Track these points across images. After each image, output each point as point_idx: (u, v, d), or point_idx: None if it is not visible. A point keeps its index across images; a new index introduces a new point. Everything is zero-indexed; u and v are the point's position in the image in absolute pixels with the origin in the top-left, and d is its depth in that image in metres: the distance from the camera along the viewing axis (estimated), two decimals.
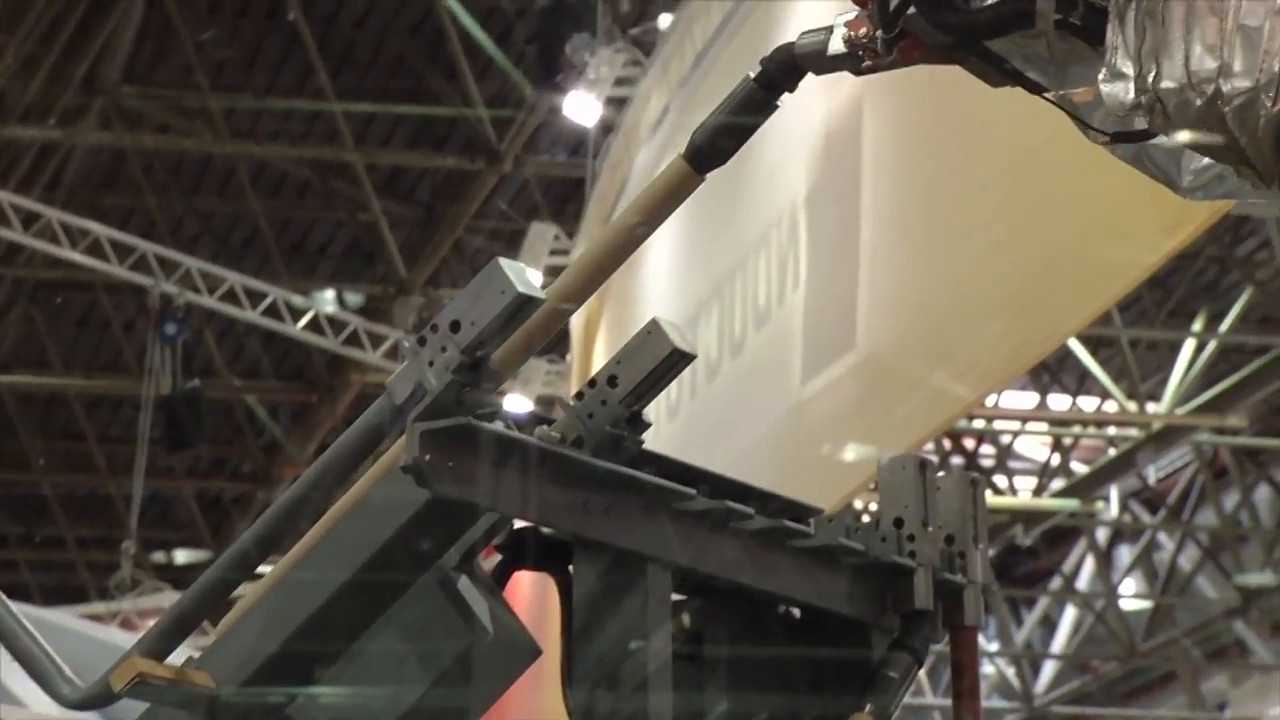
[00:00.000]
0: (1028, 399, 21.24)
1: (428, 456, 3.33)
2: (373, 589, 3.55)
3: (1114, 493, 20.78)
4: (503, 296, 3.34)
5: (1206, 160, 3.99)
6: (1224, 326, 19.77)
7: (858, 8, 3.19)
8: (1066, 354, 19.07)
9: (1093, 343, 19.42)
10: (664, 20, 17.31)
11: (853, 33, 3.20)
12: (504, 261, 3.41)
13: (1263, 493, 20.21)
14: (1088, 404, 21.00)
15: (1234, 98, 2.56)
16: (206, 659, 3.66)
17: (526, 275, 3.45)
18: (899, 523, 4.03)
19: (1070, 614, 21.77)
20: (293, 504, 3.69)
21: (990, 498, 19.62)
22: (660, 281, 16.20)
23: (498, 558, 3.81)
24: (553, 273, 20.09)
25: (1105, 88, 2.77)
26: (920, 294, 11.55)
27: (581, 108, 17.60)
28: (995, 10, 3.00)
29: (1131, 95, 2.72)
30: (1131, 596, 21.15)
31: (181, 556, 26.82)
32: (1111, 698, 21.41)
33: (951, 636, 4.12)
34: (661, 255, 16.30)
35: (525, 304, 3.35)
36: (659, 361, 3.63)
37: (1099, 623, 20.82)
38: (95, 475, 27.59)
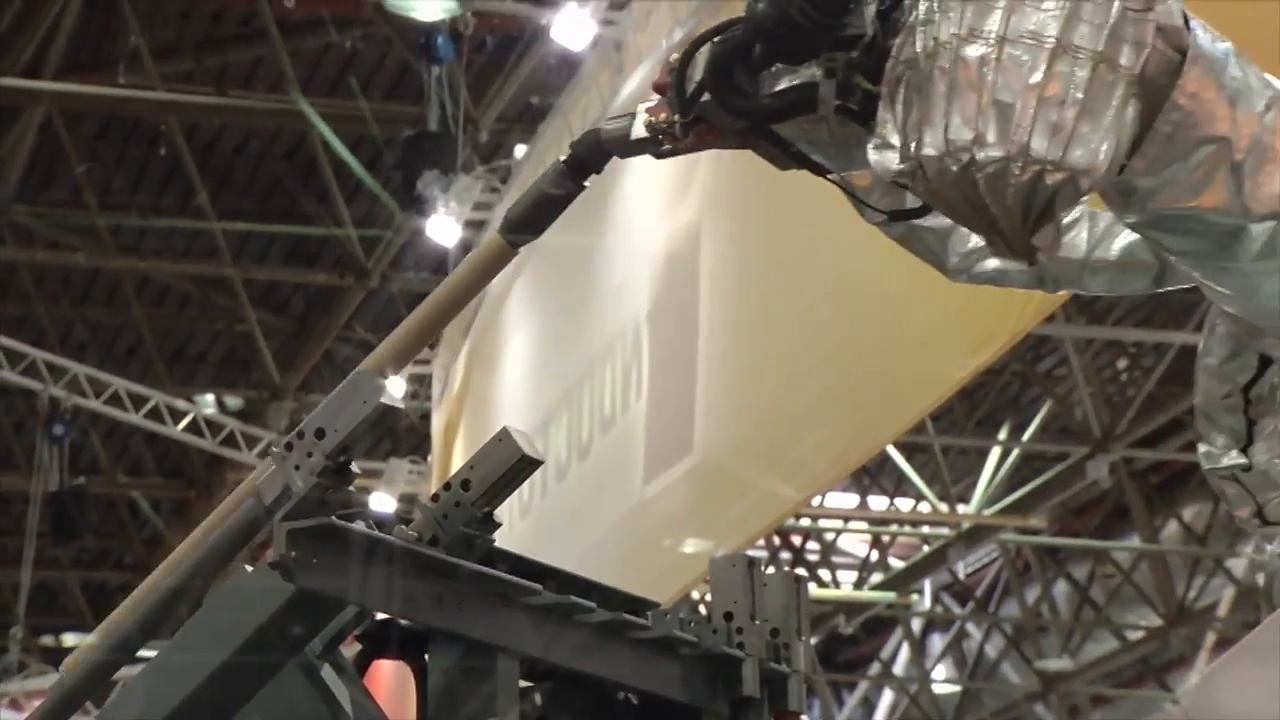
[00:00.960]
0: (849, 500, 21.34)
1: (293, 553, 3.31)
2: (242, 673, 3.52)
3: (927, 586, 20.92)
4: (365, 406, 3.33)
5: (971, 243, 4.00)
6: (1026, 436, 19.95)
7: (658, 95, 3.17)
8: (885, 459, 19.18)
9: (908, 449, 19.54)
10: (519, 151, 17.39)
11: (653, 118, 3.17)
12: (365, 374, 3.40)
13: (1061, 587, 20.37)
14: (904, 504, 21.11)
15: (986, 165, 2.56)
16: None
17: (388, 386, 3.44)
18: (729, 616, 4.04)
19: (887, 697, 21.87)
20: (168, 595, 3.66)
21: (814, 590, 19.67)
22: (514, 390, 16.20)
23: (359, 647, 3.79)
24: (416, 379, 20.09)
25: (874, 156, 2.75)
26: (752, 403, 11.59)
27: (443, 230, 17.61)
28: (780, 97, 2.97)
29: (897, 163, 2.70)
30: (943, 681, 21.24)
31: (69, 640, 26.46)
32: None
33: None
34: (515, 366, 16.32)
35: (387, 413, 3.34)
36: (509, 467, 3.61)
37: (913, 705, 20.90)
38: None
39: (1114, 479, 18.30)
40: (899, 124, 2.73)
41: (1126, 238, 3.94)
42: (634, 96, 13.96)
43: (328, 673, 3.66)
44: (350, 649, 3.88)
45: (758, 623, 4.01)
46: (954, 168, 2.61)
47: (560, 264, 15.11)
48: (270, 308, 22.79)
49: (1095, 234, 3.97)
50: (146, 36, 18.71)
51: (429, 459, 19.67)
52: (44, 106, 19.63)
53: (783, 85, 2.98)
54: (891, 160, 2.73)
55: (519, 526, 14.00)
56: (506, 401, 16.14)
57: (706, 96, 3.06)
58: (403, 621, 3.74)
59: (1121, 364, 20.01)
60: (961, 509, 19.89)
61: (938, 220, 3.95)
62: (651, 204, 12.90)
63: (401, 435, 21.27)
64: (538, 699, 3.98)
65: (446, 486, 3.68)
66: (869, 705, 22.18)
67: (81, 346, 22.92)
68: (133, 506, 26.09)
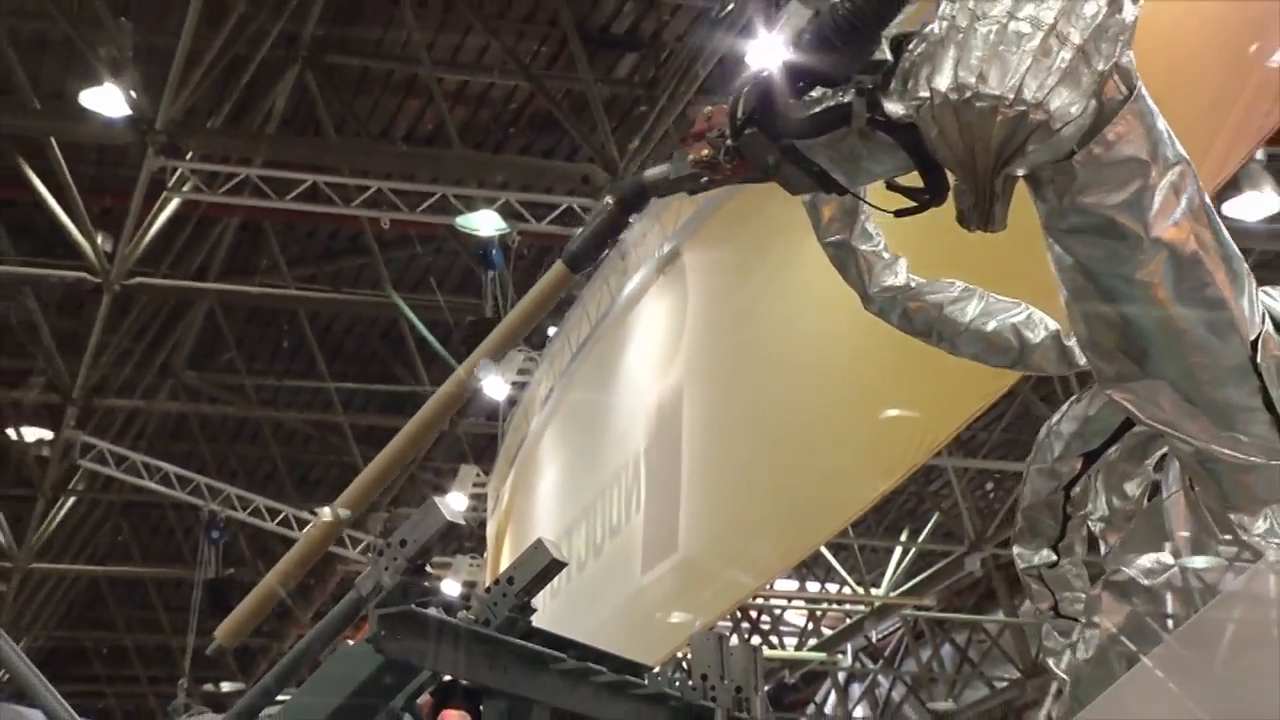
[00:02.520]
0: (792, 584, 21.20)
1: (383, 632, 3.27)
2: (348, 718, 3.47)
3: (849, 648, 20.72)
4: (435, 522, 3.31)
5: (890, 280, 3.87)
6: (920, 538, 19.83)
7: (697, 139, 2.96)
8: (818, 555, 19.07)
9: (835, 547, 19.44)
10: (551, 331, 17.40)
11: (695, 155, 2.96)
12: (436, 499, 3.37)
13: (946, 649, 20.18)
14: (832, 587, 20.97)
15: (982, 100, 2.41)
16: None
17: (452, 506, 3.41)
18: (704, 677, 4.00)
19: None
20: (295, 657, 3.62)
21: (767, 651, 19.55)
22: (546, 506, 16.12)
23: (431, 700, 3.74)
24: (476, 498, 19.99)
25: (888, 105, 2.58)
26: (720, 515, 11.52)
27: (495, 389, 17.59)
28: (817, 118, 2.74)
29: (910, 100, 2.53)
30: (861, 718, 20.99)
31: (225, 687, 26.21)
32: None
33: None
34: (547, 488, 16.24)
35: (450, 528, 3.31)
36: (542, 568, 3.59)
37: None
38: (162, 633, 27.10)
39: (984, 570, 18.19)
40: (911, 79, 2.56)
41: (1001, 321, 3.84)
42: (635, 291, 13.96)
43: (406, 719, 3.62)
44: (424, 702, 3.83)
45: (726, 682, 3.98)
46: (955, 98, 2.44)
47: (580, 415, 15.09)
48: (370, 444, 22.72)
49: (980, 310, 3.87)
50: (282, 250, 18.79)
51: (485, 555, 19.56)
52: (208, 301, 19.68)
53: (817, 109, 2.75)
54: (904, 101, 2.56)
55: (550, 606, 13.87)
56: (541, 514, 16.06)
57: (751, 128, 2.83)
58: (463, 681, 3.69)
59: (989, 486, 19.94)
60: (874, 591, 19.76)
61: (872, 245, 3.83)
62: (646, 369, 12.89)
63: (464, 537, 21.18)
64: None
65: (496, 581, 3.65)
66: None
67: (233, 474, 22.87)
68: None
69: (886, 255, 3.91)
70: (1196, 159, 2.56)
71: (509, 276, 17.30)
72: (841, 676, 21.03)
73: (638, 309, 13.73)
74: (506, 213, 16.08)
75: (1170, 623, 3.08)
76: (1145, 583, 3.22)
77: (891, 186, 2.76)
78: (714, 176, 2.96)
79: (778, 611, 21.63)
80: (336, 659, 3.49)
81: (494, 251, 16.86)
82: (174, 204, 16.43)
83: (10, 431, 22.01)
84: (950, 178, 2.60)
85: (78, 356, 19.15)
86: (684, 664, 4.19)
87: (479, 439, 21.38)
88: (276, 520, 21.58)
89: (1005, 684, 19.01)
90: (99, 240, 16.97)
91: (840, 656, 20.73)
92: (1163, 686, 1.87)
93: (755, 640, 20.23)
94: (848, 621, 20.46)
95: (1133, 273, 2.48)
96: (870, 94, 2.67)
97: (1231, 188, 13.16)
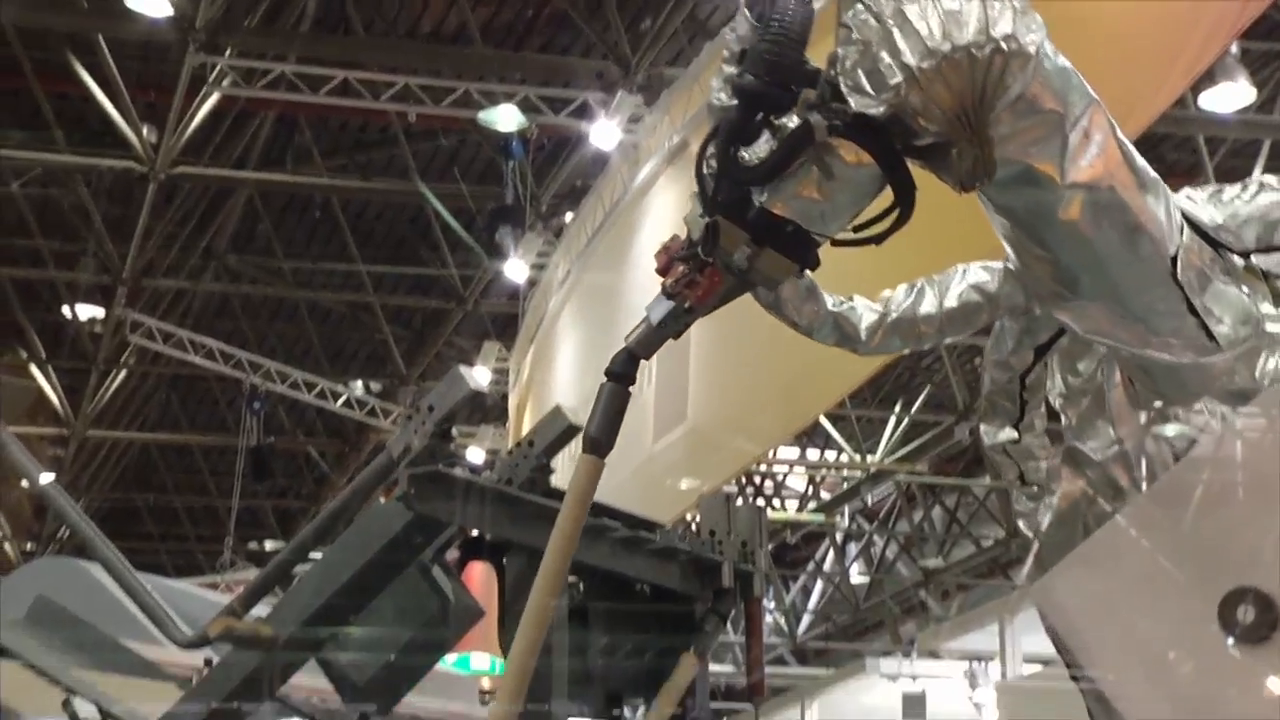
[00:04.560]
0: (793, 452, 21.27)
1: (413, 490, 3.28)
2: (378, 571, 3.49)
3: (846, 510, 20.81)
4: (460, 390, 3.30)
5: (816, 306, 3.72)
6: (913, 409, 19.87)
7: (665, 274, 2.73)
8: (818, 424, 19.12)
9: (833, 418, 19.48)
10: (568, 216, 17.35)
11: (670, 280, 2.73)
12: (461, 368, 3.37)
13: (937, 511, 20.26)
14: (830, 455, 21.05)
15: (959, 50, 2.35)
16: (272, 617, 3.58)
17: (476, 376, 3.41)
18: (713, 533, 4.01)
19: (819, 585, 21.75)
20: (330, 516, 3.64)
21: (770, 514, 19.65)
22: (564, 379, 16.15)
23: (458, 554, 3.76)
24: (499, 372, 20.02)
25: (856, 104, 2.45)
26: (727, 387, 11.54)
27: (516, 270, 17.56)
28: (778, 150, 2.58)
29: (874, 103, 2.41)
30: (857, 574, 21.14)
31: (268, 546, 26.46)
32: (844, 637, 21.40)
33: (745, 604, 4.08)
34: (565, 363, 16.25)
35: (474, 395, 3.31)
36: (560, 432, 3.59)
37: (836, 591, 20.80)
38: (208, 495, 27.34)
39: (973, 437, 18.21)
40: (864, 77, 2.44)
41: (961, 286, 3.78)
42: (646, 180, 13.89)
43: (437, 572, 3.63)
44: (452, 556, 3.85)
45: (732, 537, 3.98)
46: (933, 64, 2.36)
47: (596, 295, 15.06)
48: (399, 323, 22.76)
49: (937, 293, 3.83)
50: (315, 142, 18.71)
51: (507, 425, 19.63)
52: (247, 189, 19.64)
53: (776, 143, 2.58)
54: (872, 97, 2.42)
55: (566, 472, 13.92)
56: (560, 387, 16.09)
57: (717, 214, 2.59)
58: (487, 537, 3.71)
59: (977, 360, 19.93)
60: (870, 458, 19.83)
61: (795, 295, 3.69)
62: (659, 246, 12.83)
63: (488, 409, 21.23)
64: (578, 591, 3.94)
65: (517, 445, 3.66)
66: (806, 591, 22.08)
67: (272, 350, 22.90)
68: (307, 458, 26.09)
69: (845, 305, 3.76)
70: (1173, 53, 2.54)
71: (528, 166, 17.21)
72: (839, 537, 21.13)
73: (649, 196, 13.67)
74: (526, 107, 15.98)
75: (1116, 492, 3.11)
76: (1096, 457, 3.25)
77: (845, 244, 2.63)
78: (694, 297, 2.75)
79: (780, 477, 21.72)
80: (368, 516, 3.51)
81: (514, 143, 16.76)
82: (214, 98, 16.41)
83: (65, 310, 22.12)
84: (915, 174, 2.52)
85: (127, 240, 19.20)
86: (693, 524, 4.20)
87: (500, 318, 21.37)
88: (313, 393, 21.67)
89: (991, 543, 19.09)
90: (145, 132, 16.99)
91: (838, 518, 20.82)
92: (1134, 542, 1.88)
93: (759, 503, 20.36)
94: (845, 486, 20.56)
95: (1055, 214, 2.48)
96: (821, 108, 2.53)
97: (1206, 80, 13.02)
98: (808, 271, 2.77)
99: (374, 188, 19.38)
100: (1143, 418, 3.08)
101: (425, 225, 20.27)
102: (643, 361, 2.77)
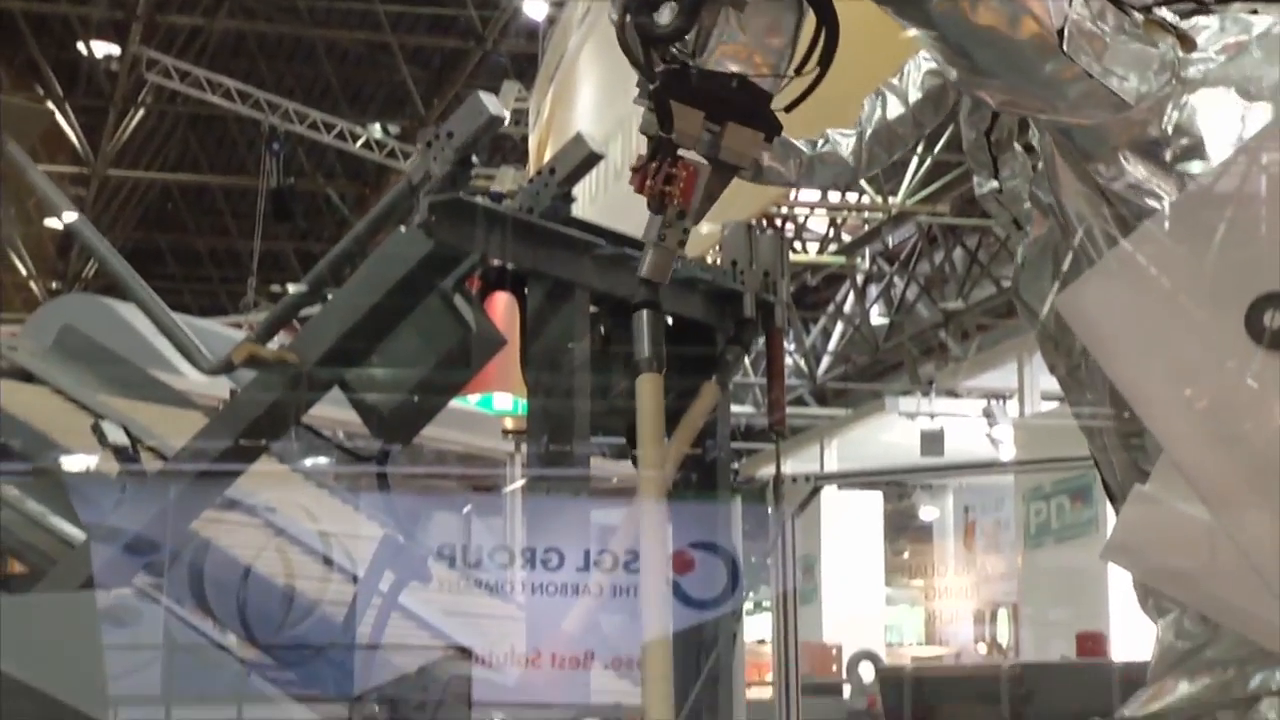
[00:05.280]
0: (814, 194, 21.17)
1: (432, 217, 3.26)
2: (400, 299, 3.49)
3: (867, 252, 20.79)
4: (480, 116, 3.25)
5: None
6: (936, 150, 19.70)
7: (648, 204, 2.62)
8: None
9: None
10: None
11: (651, 191, 2.60)
12: (482, 94, 3.31)
13: (958, 253, 20.25)
14: (851, 197, 20.95)
15: None
16: (295, 344, 3.60)
17: (496, 103, 3.36)
18: (734, 263, 3.98)
19: (839, 327, 21.86)
20: (352, 242, 3.63)
21: (791, 256, 19.58)
22: (584, 118, 16.03)
23: (479, 284, 3.75)
24: (518, 113, 19.86)
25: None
26: None
27: (535, 10, 17.30)
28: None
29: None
30: (877, 316, 21.23)
31: (291, 288, 26.60)
32: (864, 378, 21.59)
33: (767, 337, 4.08)
34: (585, 103, 16.11)
35: (493, 121, 3.26)
36: (581, 159, 3.55)
37: (857, 332, 20.92)
38: (230, 238, 27.42)
39: None
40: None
41: (919, 76, 3.86)
42: None
43: (458, 300, 3.63)
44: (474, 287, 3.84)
45: (754, 267, 3.96)
46: None
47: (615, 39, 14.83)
48: (417, 64, 22.52)
49: (899, 93, 3.86)
50: None
51: (527, 166, 19.54)
52: None
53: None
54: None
55: (589, 211, 13.90)
56: (580, 125, 15.96)
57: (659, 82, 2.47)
58: (509, 266, 3.69)
59: None
60: (891, 199, 19.73)
61: (774, 159, 3.71)
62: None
63: (507, 151, 21.11)
64: (603, 328, 3.94)
65: (538, 173, 3.62)
66: (826, 333, 22.20)
67: (291, 90, 22.72)
68: (328, 200, 26.09)
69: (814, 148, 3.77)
70: None
71: None
72: (860, 279, 21.14)
73: None
74: None
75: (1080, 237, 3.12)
76: (1048, 200, 3.26)
77: (798, 102, 2.57)
78: (678, 197, 2.62)
79: (801, 219, 21.64)
80: (389, 245, 3.49)
81: None
82: None
83: (80, 46, 21.89)
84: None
85: None
86: (715, 258, 4.18)
87: (519, 58, 21.13)
88: (332, 134, 21.55)
89: (1011, 283, 19.19)
90: None
91: (859, 260, 20.80)
92: (1162, 250, 1.85)
93: None
94: (866, 228, 20.49)
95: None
96: None
97: None
98: None
99: None
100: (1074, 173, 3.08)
101: None
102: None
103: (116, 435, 4.01)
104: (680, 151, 2.54)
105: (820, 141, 3.80)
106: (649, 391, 2.79)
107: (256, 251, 22.66)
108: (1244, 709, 2.56)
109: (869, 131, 3.83)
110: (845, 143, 3.82)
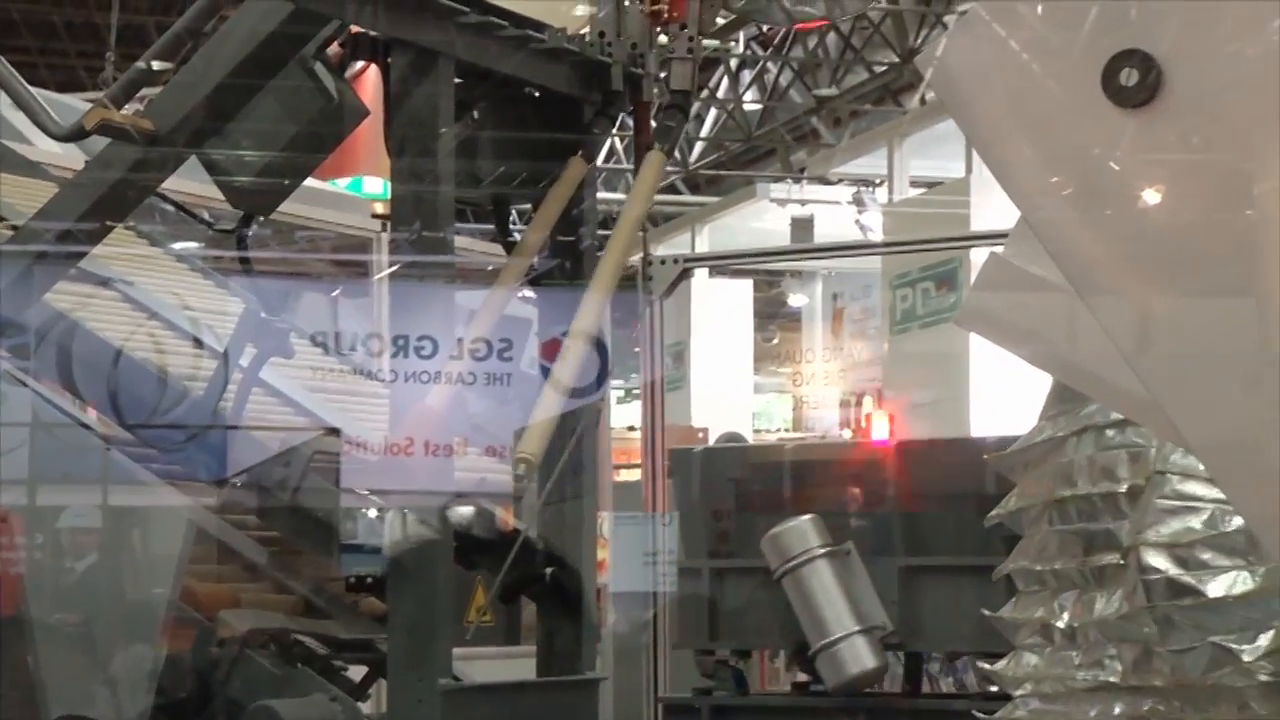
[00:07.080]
0: None
1: None
2: (259, 67, 3.42)
3: (741, 36, 20.65)
4: None
5: None
6: None
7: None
8: None
9: None
10: None
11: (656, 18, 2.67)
12: None
13: (831, 37, 20.16)
14: None
15: None
16: (150, 110, 3.52)
17: None
18: (602, 35, 3.94)
19: (712, 113, 21.81)
20: (211, 4, 3.54)
21: (663, 39, 19.34)
22: None
23: (339, 50, 3.68)
24: None
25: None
26: None
27: None
28: None
29: None
30: (750, 102, 21.17)
31: (156, 65, 25.81)
32: (736, 165, 21.60)
33: (635, 109, 4.06)
34: None
35: None
36: None
37: (730, 118, 20.88)
38: (87, 8, 26.55)
39: None
40: None
41: None
42: None
43: (320, 69, 3.56)
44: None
45: (622, 39, 3.92)
46: None
47: None
48: None
49: None
50: None
51: None
52: None
53: None
54: None
55: None
56: None
57: None
58: (372, 33, 3.62)
59: None
60: None
61: None
62: None
63: None
64: (475, 114, 3.89)
65: None
66: (699, 119, 22.13)
67: None
68: None
69: None
70: None
71: None
72: (733, 64, 21.03)
73: None
74: None
75: None
76: None
77: None
78: (674, 9, 2.65)
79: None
80: (248, 8, 3.40)
81: None
82: None
83: None
84: None
85: None
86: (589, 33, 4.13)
87: None
88: None
89: (884, 68, 19.11)
90: None
91: (732, 44, 20.66)
92: (993, 30, 1.82)
93: None
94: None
95: None
96: None
97: None
98: None
99: None
100: None
101: None
102: None
103: None
104: None
105: None
106: (654, 167, 3.10)
107: (114, 25, 21.99)
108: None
109: None
110: None
